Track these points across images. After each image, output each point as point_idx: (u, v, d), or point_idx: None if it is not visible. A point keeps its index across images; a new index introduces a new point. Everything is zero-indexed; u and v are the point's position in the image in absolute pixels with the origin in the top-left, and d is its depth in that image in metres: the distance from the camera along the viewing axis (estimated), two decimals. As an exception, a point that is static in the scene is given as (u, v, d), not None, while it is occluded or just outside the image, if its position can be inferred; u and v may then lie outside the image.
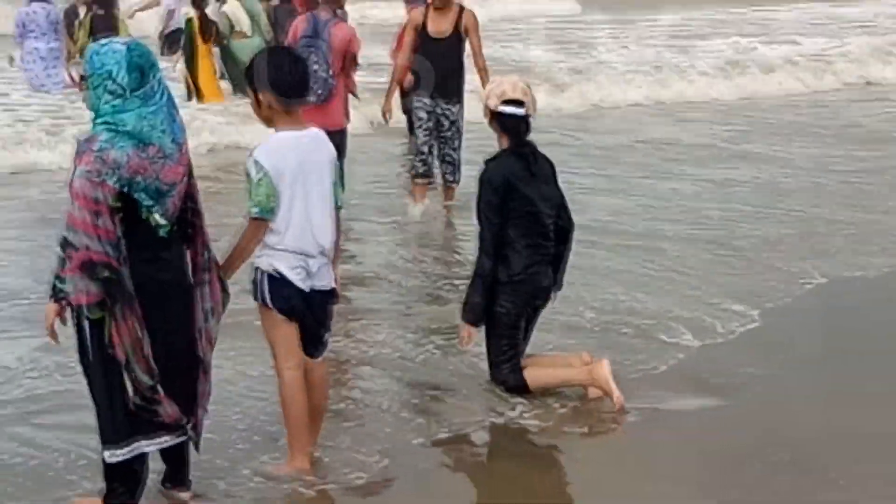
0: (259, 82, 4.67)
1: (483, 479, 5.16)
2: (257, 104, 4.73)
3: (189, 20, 15.06)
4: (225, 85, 15.16)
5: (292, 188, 4.63)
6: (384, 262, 8.22)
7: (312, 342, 4.87)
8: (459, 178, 9.42)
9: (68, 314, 4.31)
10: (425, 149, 9.40)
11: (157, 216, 4.23)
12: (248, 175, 4.62)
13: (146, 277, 4.25)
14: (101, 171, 4.10)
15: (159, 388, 4.31)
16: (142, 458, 4.45)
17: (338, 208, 4.86)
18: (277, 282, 4.68)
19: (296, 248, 4.67)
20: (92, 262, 4.12)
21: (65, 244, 4.17)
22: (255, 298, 4.76)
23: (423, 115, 9.31)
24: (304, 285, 4.70)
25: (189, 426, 4.47)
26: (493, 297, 5.69)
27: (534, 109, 5.76)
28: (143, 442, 4.40)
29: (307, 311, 4.76)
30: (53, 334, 4.37)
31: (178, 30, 16.53)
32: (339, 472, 4.98)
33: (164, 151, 4.21)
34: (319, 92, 8.41)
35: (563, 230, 5.84)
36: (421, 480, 5.04)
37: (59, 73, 15.82)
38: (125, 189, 4.13)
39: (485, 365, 5.87)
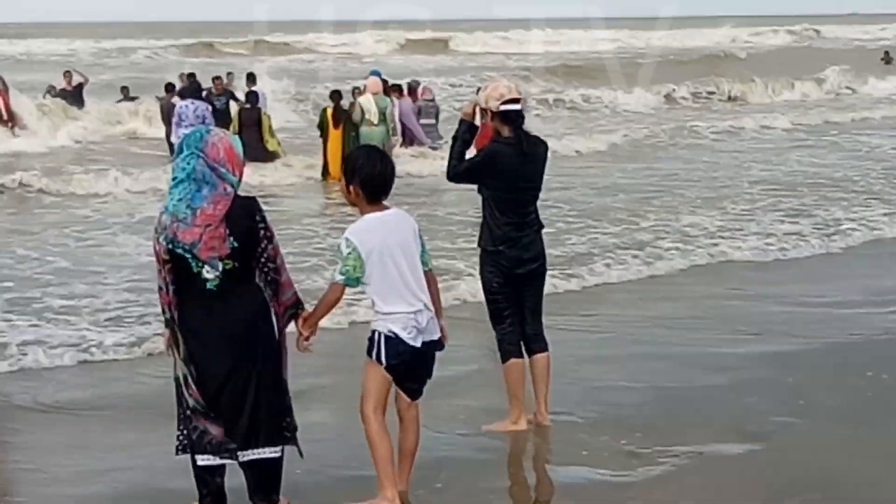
0: (353, 177, 5.49)
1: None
2: (347, 192, 5.51)
3: (323, 109, 18.21)
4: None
5: (381, 260, 5.43)
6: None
7: (415, 387, 5.66)
8: None
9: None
10: None
11: (203, 271, 5.04)
12: (338, 248, 5.46)
13: (199, 323, 5.09)
14: (156, 229, 5.09)
15: (206, 411, 5.11)
16: (210, 468, 5.23)
17: (427, 269, 5.61)
18: (392, 341, 5.47)
19: (402, 308, 5.47)
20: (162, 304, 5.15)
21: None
22: (368, 355, 5.52)
23: None
24: (416, 342, 5.51)
25: (235, 450, 5.15)
26: (480, 264, 6.60)
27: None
28: (197, 456, 5.21)
29: (416, 362, 5.56)
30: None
31: None
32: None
33: (178, 217, 5.03)
34: None
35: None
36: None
37: None
38: (170, 246, 5.02)
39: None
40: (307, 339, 5.48)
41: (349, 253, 5.40)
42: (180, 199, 5.05)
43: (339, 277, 5.43)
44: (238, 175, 5.18)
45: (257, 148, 18.43)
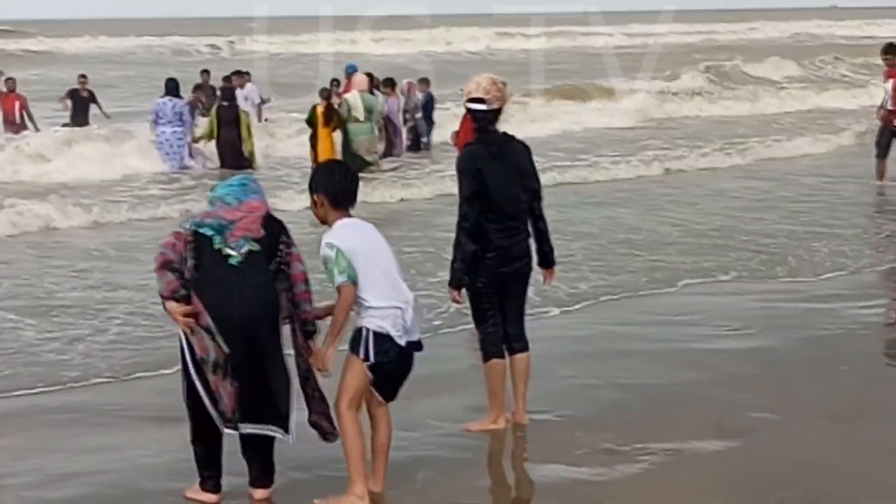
0: (317, 188, 5.66)
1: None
2: (314, 204, 5.68)
3: (313, 107, 18.14)
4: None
5: (365, 257, 5.52)
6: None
7: (393, 389, 5.72)
8: None
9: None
10: None
11: (223, 246, 5.48)
12: (324, 257, 5.50)
13: (220, 298, 5.41)
14: (187, 219, 5.75)
15: (220, 374, 5.43)
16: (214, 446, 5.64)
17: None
18: (381, 337, 5.54)
19: (391, 303, 5.54)
20: (166, 261, 5.47)
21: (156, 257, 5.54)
22: (354, 351, 5.58)
23: None
24: (401, 341, 5.57)
25: (238, 424, 5.51)
26: (471, 270, 6.45)
27: (501, 102, 6.47)
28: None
29: (399, 363, 5.63)
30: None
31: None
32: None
33: (225, 201, 5.62)
34: None
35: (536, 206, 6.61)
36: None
37: (179, 154, 18.82)
38: (195, 228, 5.52)
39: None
40: (324, 364, 5.60)
41: (336, 254, 5.49)
42: (228, 193, 5.69)
43: (341, 278, 5.49)
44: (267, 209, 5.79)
45: (234, 153, 18.69)
